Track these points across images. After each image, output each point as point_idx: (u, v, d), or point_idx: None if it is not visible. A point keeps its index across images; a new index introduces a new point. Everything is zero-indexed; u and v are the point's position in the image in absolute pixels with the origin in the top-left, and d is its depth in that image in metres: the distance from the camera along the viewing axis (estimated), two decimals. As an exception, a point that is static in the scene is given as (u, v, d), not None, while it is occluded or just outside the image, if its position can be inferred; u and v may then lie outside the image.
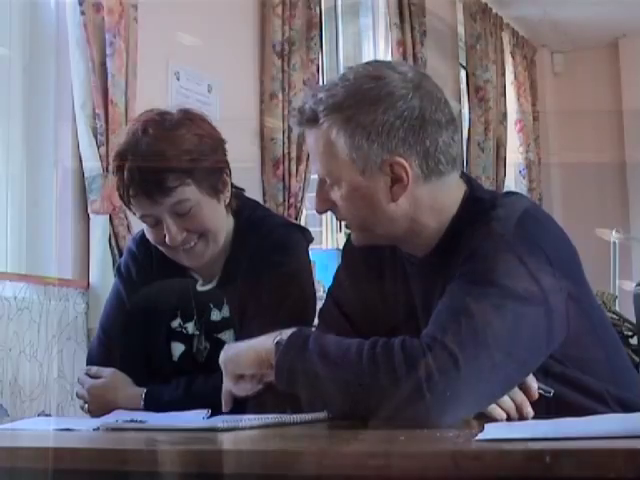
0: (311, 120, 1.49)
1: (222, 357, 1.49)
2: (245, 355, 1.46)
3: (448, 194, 1.53)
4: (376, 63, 1.60)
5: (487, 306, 1.34)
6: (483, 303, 1.34)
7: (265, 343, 1.42)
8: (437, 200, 1.52)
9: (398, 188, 1.48)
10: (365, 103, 1.45)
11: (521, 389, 1.38)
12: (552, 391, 1.40)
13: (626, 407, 1.51)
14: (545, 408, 1.38)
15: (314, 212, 1.59)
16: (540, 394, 1.39)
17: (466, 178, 1.59)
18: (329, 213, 1.59)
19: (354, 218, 1.54)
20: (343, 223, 1.61)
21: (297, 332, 1.40)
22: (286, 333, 1.40)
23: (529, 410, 1.37)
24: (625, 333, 2.54)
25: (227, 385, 1.48)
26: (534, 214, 1.50)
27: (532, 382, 1.38)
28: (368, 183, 1.48)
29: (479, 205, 1.51)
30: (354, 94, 1.46)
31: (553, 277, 1.41)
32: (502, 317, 1.33)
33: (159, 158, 1.76)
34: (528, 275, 1.38)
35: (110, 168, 3.05)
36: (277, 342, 1.40)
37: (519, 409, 1.37)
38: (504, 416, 1.35)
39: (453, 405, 1.27)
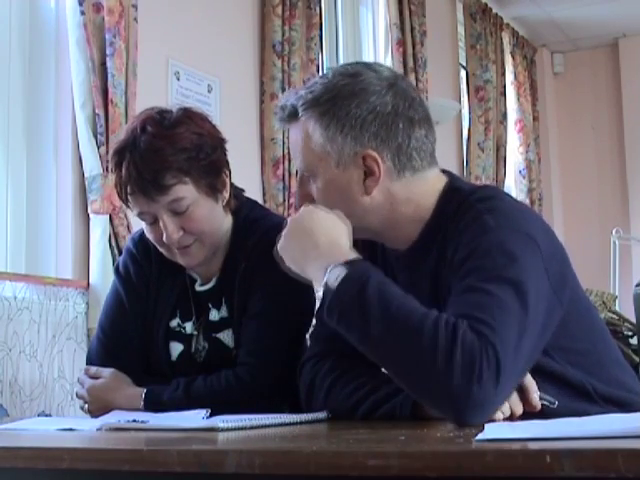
0: (292, 116, 1.56)
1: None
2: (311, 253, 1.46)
3: (426, 188, 1.58)
4: (355, 63, 1.66)
5: (509, 300, 1.35)
6: (503, 300, 1.35)
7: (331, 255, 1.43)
8: (414, 193, 1.56)
9: (370, 181, 1.53)
10: (340, 98, 1.52)
11: (522, 399, 1.38)
12: (556, 402, 1.40)
13: (616, 404, 1.51)
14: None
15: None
16: (543, 405, 1.40)
17: (447, 173, 1.63)
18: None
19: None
20: None
21: (358, 265, 1.40)
22: (342, 259, 1.40)
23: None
24: (625, 333, 2.55)
25: None
26: (518, 206, 1.55)
27: (535, 394, 1.38)
28: (342, 176, 1.53)
29: (458, 195, 1.56)
30: (331, 90, 1.53)
31: (543, 267, 1.43)
32: (522, 313, 1.35)
33: (156, 156, 1.76)
34: (526, 266, 1.40)
35: (109, 166, 3.06)
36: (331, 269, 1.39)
37: (512, 411, 1.38)
38: (501, 416, 1.35)
39: (493, 408, 1.30)
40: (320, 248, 1.46)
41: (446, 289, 1.49)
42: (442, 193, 1.57)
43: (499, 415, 1.35)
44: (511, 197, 1.61)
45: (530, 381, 1.38)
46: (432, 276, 1.54)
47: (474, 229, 1.46)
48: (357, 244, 1.72)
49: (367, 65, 1.60)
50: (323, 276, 1.40)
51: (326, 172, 1.53)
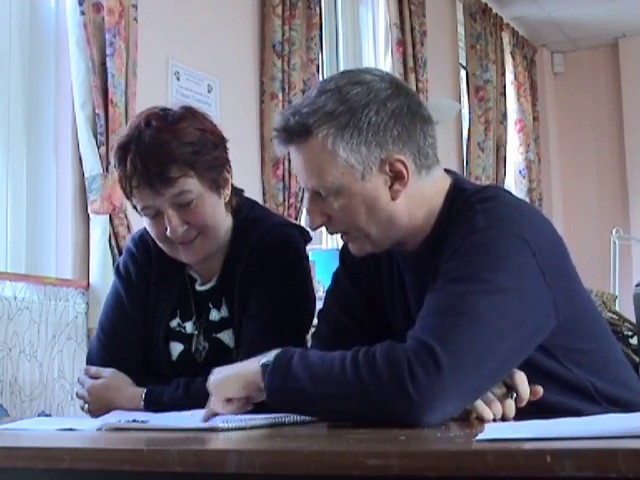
0: (302, 134, 1.50)
1: (211, 381, 1.49)
2: (234, 380, 1.46)
3: (434, 187, 1.57)
4: (349, 71, 1.61)
5: (468, 302, 1.34)
6: (464, 299, 1.35)
7: (251, 367, 1.43)
8: (426, 194, 1.55)
9: (398, 185, 1.51)
10: (356, 108, 1.48)
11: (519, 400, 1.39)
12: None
13: (619, 404, 1.51)
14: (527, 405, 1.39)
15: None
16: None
17: (452, 173, 1.63)
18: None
19: (354, 226, 1.54)
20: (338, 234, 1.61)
21: (281, 352, 1.40)
22: (270, 355, 1.40)
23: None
24: (625, 333, 2.54)
25: (215, 407, 1.47)
26: (518, 205, 1.53)
27: (526, 391, 1.39)
28: (368, 186, 1.50)
29: (462, 196, 1.55)
30: (343, 101, 1.49)
31: (537, 267, 1.41)
32: (484, 311, 1.33)
33: (162, 148, 1.76)
34: (509, 267, 1.39)
35: (110, 167, 3.06)
36: (263, 364, 1.40)
37: (505, 416, 1.38)
38: (491, 416, 1.36)
39: (440, 402, 1.27)
40: (243, 363, 1.47)
41: None
42: (448, 194, 1.57)
43: (488, 415, 1.35)
44: (513, 195, 1.61)
45: (521, 380, 1.38)
46: (434, 276, 1.54)
47: (464, 230, 1.46)
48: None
49: (363, 71, 1.57)
50: (259, 367, 1.40)
51: (351, 187, 1.49)
